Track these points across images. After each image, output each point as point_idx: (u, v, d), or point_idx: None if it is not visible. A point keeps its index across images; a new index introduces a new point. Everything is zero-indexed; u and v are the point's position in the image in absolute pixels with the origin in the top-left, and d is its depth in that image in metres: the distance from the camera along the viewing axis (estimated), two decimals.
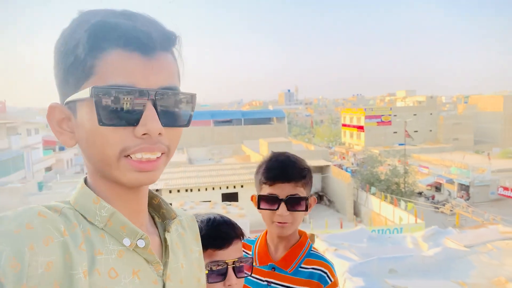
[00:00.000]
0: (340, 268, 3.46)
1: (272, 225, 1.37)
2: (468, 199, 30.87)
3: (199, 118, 51.88)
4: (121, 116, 0.61)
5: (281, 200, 1.33)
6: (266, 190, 1.37)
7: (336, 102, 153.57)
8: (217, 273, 1.14)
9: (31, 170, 33.09)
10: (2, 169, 28.42)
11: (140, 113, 0.62)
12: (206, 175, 25.85)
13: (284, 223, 1.35)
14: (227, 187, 24.13)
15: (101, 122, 0.60)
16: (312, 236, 4.67)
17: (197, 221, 1.21)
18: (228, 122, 52.81)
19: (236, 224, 1.25)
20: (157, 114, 0.63)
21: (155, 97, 0.62)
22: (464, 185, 32.44)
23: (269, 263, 1.42)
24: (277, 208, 1.34)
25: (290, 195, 1.34)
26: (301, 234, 1.47)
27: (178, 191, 23.33)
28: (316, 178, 31.69)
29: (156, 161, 0.65)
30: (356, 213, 28.47)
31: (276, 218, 1.35)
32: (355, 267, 3.38)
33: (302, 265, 1.39)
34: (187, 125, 0.71)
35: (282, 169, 1.35)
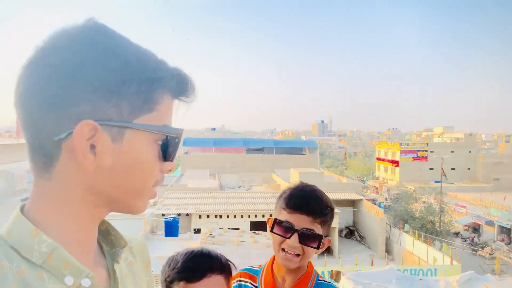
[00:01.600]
0: None
1: (280, 252, 1.35)
2: (509, 243, 29.23)
3: (231, 145, 52.38)
4: (166, 152, 0.68)
5: (295, 230, 1.31)
6: (284, 216, 1.35)
7: (370, 135, 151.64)
8: None
9: None
10: None
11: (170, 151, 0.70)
12: (235, 202, 25.83)
13: (291, 254, 1.32)
14: (256, 216, 23.97)
15: (170, 159, 0.68)
16: (338, 273, 4.56)
17: (178, 253, 1.21)
18: (260, 150, 52.97)
19: (222, 257, 1.20)
20: None
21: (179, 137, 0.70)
22: (505, 227, 30.82)
23: None
24: (289, 237, 1.31)
25: (306, 228, 1.31)
26: (308, 264, 1.45)
27: (208, 216, 23.38)
28: (347, 212, 30.98)
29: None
30: (388, 250, 27.47)
31: (285, 246, 1.33)
32: None
33: None
34: None
35: (305, 200, 1.34)
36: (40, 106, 0.58)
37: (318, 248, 1.34)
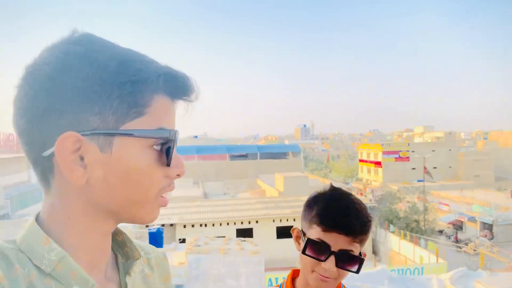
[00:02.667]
0: None
1: (312, 274, 1.17)
2: (491, 239, 29.71)
3: (215, 152, 52.11)
4: (168, 157, 0.64)
5: (332, 252, 1.13)
6: (317, 234, 1.16)
7: (352, 137, 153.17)
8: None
9: None
10: (20, 201, 28.75)
11: (175, 155, 0.66)
12: (221, 210, 25.62)
13: (327, 277, 1.15)
14: (242, 223, 23.80)
15: (168, 164, 0.64)
16: None
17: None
18: (244, 156, 52.90)
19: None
20: None
21: (175, 140, 0.66)
22: (487, 223, 31.35)
23: None
24: (325, 260, 1.13)
25: (344, 249, 1.14)
26: None
27: (193, 226, 23.08)
28: None
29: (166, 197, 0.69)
30: (375, 251, 27.59)
31: (319, 270, 1.15)
32: None
33: None
34: None
35: (344, 218, 1.13)
36: (29, 122, 0.59)
37: (358, 272, 1.17)
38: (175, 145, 0.65)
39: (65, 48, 0.60)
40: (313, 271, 1.16)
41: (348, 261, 1.14)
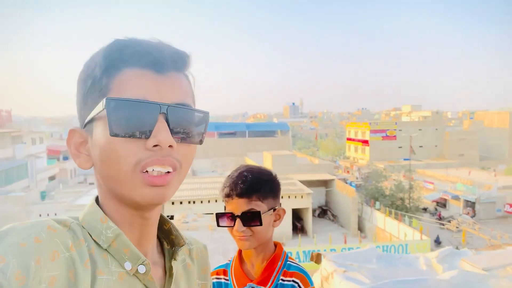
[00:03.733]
0: None
1: (235, 238, 1.39)
2: (474, 216, 30.46)
3: None
4: (133, 127, 0.62)
5: (236, 216, 1.35)
6: (227, 207, 1.40)
7: (341, 116, 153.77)
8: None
9: (34, 179, 33.04)
10: (5, 177, 28.39)
11: (152, 125, 0.62)
12: (209, 187, 25.70)
13: (244, 236, 1.35)
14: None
15: (113, 133, 0.61)
16: (319, 255, 4.49)
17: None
18: (232, 134, 52.78)
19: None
20: (169, 128, 0.63)
21: (167, 111, 0.63)
22: (470, 201, 32.06)
23: (247, 284, 1.39)
24: (234, 226, 1.36)
25: (245, 211, 1.35)
26: (276, 244, 1.47)
27: (181, 203, 23.16)
28: (320, 192, 31.41)
29: (167, 176, 0.64)
30: (360, 228, 28.12)
31: (235, 234, 1.37)
32: None
33: (282, 278, 1.38)
34: (199, 142, 0.71)
35: (233, 185, 1.38)
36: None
37: (261, 224, 1.34)
38: (144, 114, 0.62)
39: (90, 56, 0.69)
40: (234, 236, 1.38)
41: (251, 218, 1.34)
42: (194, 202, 23.42)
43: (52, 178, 37.89)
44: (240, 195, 1.35)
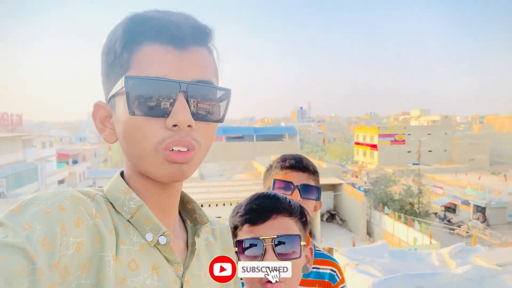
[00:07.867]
0: (363, 284, 3.25)
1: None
2: (484, 221, 30.08)
3: None
4: (152, 106, 0.61)
5: (296, 186, 1.38)
6: (281, 177, 1.42)
7: (349, 120, 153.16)
8: (252, 253, 0.96)
9: (44, 183, 33.33)
10: (16, 180, 28.69)
11: (172, 104, 0.61)
12: (217, 190, 25.72)
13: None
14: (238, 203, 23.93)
15: (132, 112, 0.61)
16: (330, 250, 4.49)
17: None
18: (240, 138, 52.80)
19: (291, 200, 1.06)
20: (188, 106, 0.62)
21: (186, 89, 0.62)
22: (480, 206, 31.66)
23: None
24: (291, 194, 1.36)
25: (304, 183, 1.39)
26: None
27: None
28: (328, 197, 31.26)
29: (188, 153, 0.64)
30: (369, 233, 27.91)
31: None
32: (380, 283, 3.17)
33: (317, 266, 1.41)
34: (220, 120, 0.70)
35: (298, 159, 1.44)
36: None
37: (318, 199, 1.41)
38: (164, 93, 0.61)
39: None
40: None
41: (310, 191, 1.39)
42: (202, 206, 23.18)
43: (61, 181, 38.20)
44: (303, 169, 1.42)
